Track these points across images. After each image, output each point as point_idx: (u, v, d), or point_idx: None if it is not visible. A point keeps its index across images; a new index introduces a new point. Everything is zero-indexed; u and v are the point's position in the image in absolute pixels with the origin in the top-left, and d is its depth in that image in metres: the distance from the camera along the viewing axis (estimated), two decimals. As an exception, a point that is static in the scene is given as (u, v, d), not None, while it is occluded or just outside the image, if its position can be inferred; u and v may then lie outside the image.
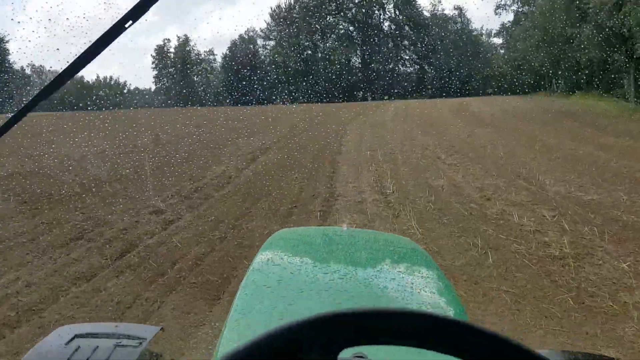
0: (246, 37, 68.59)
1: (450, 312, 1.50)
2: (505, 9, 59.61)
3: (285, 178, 10.02)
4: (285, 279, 1.67)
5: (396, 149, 14.46)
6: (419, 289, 1.64)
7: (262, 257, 1.90)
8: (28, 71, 58.00)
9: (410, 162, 12.48)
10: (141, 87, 72.32)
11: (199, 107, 49.80)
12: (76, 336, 1.59)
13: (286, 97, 63.97)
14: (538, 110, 27.17)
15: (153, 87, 72.82)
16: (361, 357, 0.90)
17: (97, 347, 1.52)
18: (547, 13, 39.15)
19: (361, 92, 63.86)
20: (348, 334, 0.50)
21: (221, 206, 7.83)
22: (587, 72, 39.02)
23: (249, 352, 0.48)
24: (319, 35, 64.52)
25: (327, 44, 65.32)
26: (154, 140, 16.93)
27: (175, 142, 16.52)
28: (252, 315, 1.42)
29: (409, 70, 68.26)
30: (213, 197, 8.47)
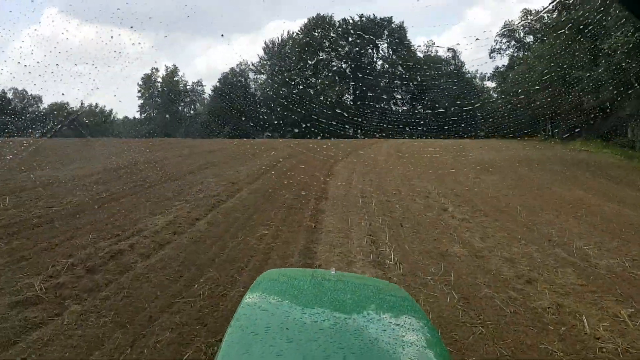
0: (238, 70, 67.25)
1: None
2: (500, 52, 58.68)
3: (247, 239, 7.53)
4: (274, 326, 1.62)
5: (393, 197, 12.08)
6: (407, 340, 1.61)
7: (250, 299, 1.86)
8: (10, 95, 55.72)
9: (412, 214, 10.08)
10: (130, 116, 70.02)
11: (181, 139, 47.39)
12: None
13: (276, 131, 62.23)
14: (541, 156, 25.25)
15: (138, 116, 70.56)
16: None
17: None
18: (547, 56, 37.93)
19: (352, 129, 62.25)
20: None
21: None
22: (587, 118, 37.63)
23: None
24: (311, 71, 63.24)
25: (320, 80, 63.94)
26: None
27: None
28: None
29: (400, 109, 67.02)
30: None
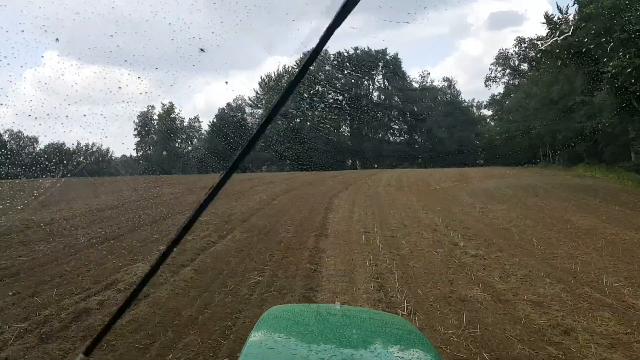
0: (234, 105, 67.22)
1: None
2: (496, 81, 58.75)
3: (237, 288, 6.63)
4: None
5: (398, 231, 11.20)
6: None
7: (255, 338, 1.84)
8: (6, 137, 55.29)
9: (421, 251, 9.19)
10: (127, 154, 69.52)
11: (179, 175, 46.60)
12: None
13: (273, 164, 61.69)
14: (546, 183, 24.45)
15: (134, 154, 70.06)
16: None
17: None
18: (544, 82, 37.65)
19: (350, 161, 61.73)
20: None
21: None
22: (589, 143, 37.07)
23: None
24: (307, 104, 63.11)
25: (316, 113, 63.80)
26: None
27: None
28: None
29: (398, 140, 66.72)
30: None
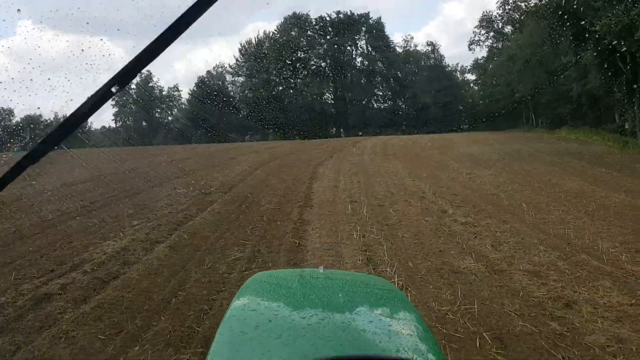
0: (214, 73, 65.60)
1: (428, 355, 1.46)
2: (479, 44, 57.98)
3: (216, 266, 6.19)
4: (262, 325, 1.57)
5: (385, 200, 10.82)
6: (397, 331, 1.59)
7: (238, 302, 1.84)
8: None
9: (410, 220, 8.83)
10: (107, 125, 67.72)
11: (162, 146, 45.58)
12: None
13: (256, 134, 60.75)
14: (531, 147, 24.31)
15: (113, 126, 68.38)
16: None
17: None
18: (529, 44, 37.09)
19: (334, 128, 61.08)
20: None
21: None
22: (573, 105, 36.93)
23: None
24: (289, 71, 61.78)
25: (299, 80, 62.57)
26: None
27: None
28: None
29: (382, 106, 66.03)
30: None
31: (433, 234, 7.87)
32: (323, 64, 64.13)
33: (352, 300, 1.96)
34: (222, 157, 21.11)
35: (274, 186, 12.68)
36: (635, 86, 21.60)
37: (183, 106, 66.71)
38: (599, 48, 20.37)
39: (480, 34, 57.42)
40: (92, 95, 0.91)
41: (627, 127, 27.62)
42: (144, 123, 68.01)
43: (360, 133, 56.49)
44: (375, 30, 65.65)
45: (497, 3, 58.16)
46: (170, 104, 67.90)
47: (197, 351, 3.65)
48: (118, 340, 3.79)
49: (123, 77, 0.90)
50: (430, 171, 15.83)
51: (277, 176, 14.87)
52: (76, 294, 4.78)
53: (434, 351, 1.50)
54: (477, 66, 60.90)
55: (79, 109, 0.91)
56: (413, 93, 62.49)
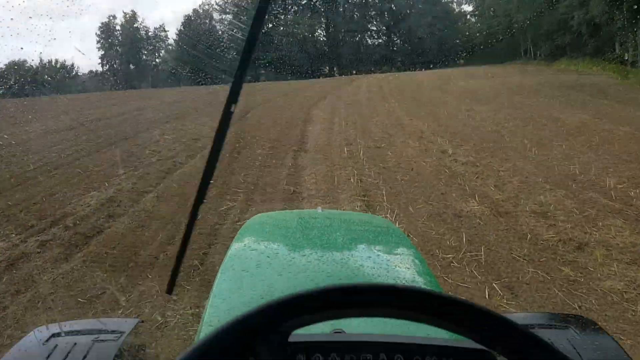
0: (201, 11, 63.03)
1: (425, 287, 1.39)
2: (477, -28, 55.49)
3: (206, 217, 5.86)
4: (263, 263, 1.62)
5: (383, 141, 10.43)
6: (395, 266, 1.61)
7: (239, 242, 1.86)
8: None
9: (408, 161, 8.49)
10: (94, 69, 65.75)
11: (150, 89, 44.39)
12: (53, 335, 1.53)
13: (247, 75, 59.14)
14: (530, 81, 23.64)
15: (100, 70, 66.43)
16: (340, 331, 0.89)
17: (75, 344, 1.45)
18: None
19: (327, 67, 59.57)
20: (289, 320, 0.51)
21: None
22: (572, 35, 35.76)
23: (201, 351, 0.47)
24: (279, 7, 59.31)
25: (289, 16, 60.27)
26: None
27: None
28: (231, 299, 1.40)
29: (376, 43, 64.13)
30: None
31: (433, 175, 7.54)
32: (314, -1, 61.58)
33: (350, 238, 1.97)
34: (212, 100, 20.37)
35: (266, 130, 12.20)
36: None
37: (170, 47, 64.72)
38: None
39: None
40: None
41: (627, 57, 26.78)
42: (131, 66, 66.11)
43: (354, 72, 55.22)
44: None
45: None
46: (157, 45, 65.77)
47: (186, 313, 3.38)
48: (99, 303, 3.51)
49: None
50: (428, 109, 15.33)
51: (269, 120, 14.34)
52: (56, 253, 4.47)
53: (431, 283, 1.52)
54: (474, -4, 58.66)
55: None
56: (408, 27, 60.44)
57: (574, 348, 1.33)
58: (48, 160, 8.94)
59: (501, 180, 7.18)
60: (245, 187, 6.92)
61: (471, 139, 10.38)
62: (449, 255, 4.46)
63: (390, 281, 1.42)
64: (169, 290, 1.33)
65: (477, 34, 55.32)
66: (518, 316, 1.85)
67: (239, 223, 5.32)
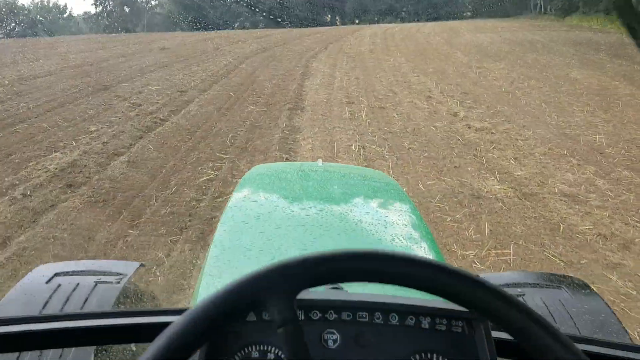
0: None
1: (421, 245, 1.50)
2: None
3: (182, 190, 5.05)
4: (263, 216, 1.61)
5: (387, 101, 9.50)
6: (392, 220, 1.62)
7: (239, 194, 1.86)
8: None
9: (417, 125, 7.62)
10: (89, 11, 63.11)
11: (147, 33, 42.47)
12: (56, 275, 1.53)
13: (247, 21, 56.95)
14: (542, 37, 22.38)
15: (92, 11, 63.77)
16: (336, 287, 0.89)
17: (78, 284, 1.47)
18: None
19: (329, 16, 57.15)
20: (300, 280, 0.54)
21: None
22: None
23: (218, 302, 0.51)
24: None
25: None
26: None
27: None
28: (231, 251, 1.41)
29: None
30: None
31: (445, 143, 6.70)
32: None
33: (349, 193, 1.95)
34: (206, 47, 19.13)
35: (261, 83, 11.18)
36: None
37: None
38: None
39: None
40: None
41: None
42: (125, 8, 63.40)
43: (357, 22, 53.13)
44: None
45: None
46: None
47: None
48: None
49: None
50: (436, 65, 14.26)
51: (265, 71, 13.25)
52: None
53: (427, 239, 1.53)
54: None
55: None
56: (414, -24, 57.67)
57: (565, 308, 1.33)
58: (14, 112, 8.00)
59: (521, 151, 6.37)
60: (232, 152, 6.06)
61: (484, 100, 9.47)
62: (470, 253, 3.69)
63: (388, 238, 1.47)
64: None
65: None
66: (511, 275, 1.80)
67: (219, 200, 4.52)
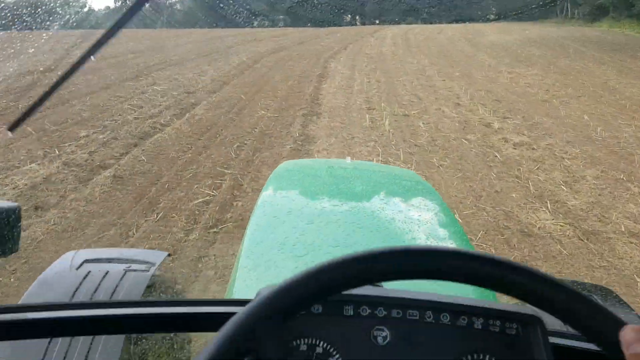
0: (219, -52, 59.24)
1: (454, 243, 1.49)
2: None
3: (169, 217, 4.25)
4: (294, 211, 1.60)
5: (412, 107, 8.64)
6: (423, 219, 1.59)
7: (269, 189, 1.85)
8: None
9: (446, 138, 6.75)
10: (110, 5, 63.16)
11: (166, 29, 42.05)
12: (85, 261, 1.56)
13: (266, 19, 56.39)
14: (573, 41, 21.28)
15: (112, 6, 63.67)
16: (379, 285, 0.86)
17: (108, 272, 1.49)
18: None
19: (349, 16, 56.26)
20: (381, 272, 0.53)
21: None
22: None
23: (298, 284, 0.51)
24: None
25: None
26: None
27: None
28: (265, 244, 1.41)
29: (402, -8, 60.19)
30: None
31: (481, 161, 5.83)
32: (339, -60, 57.45)
33: (380, 190, 1.92)
34: (221, 45, 18.38)
35: (274, 85, 10.36)
36: None
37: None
38: None
39: None
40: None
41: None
42: (146, 4, 63.18)
43: (377, 22, 52.21)
44: None
45: None
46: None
47: None
48: None
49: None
50: (463, 69, 13.34)
51: (280, 72, 12.44)
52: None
53: (460, 237, 1.52)
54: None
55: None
56: (437, -24, 56.44)
57: None
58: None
59: (570, 173, 5.48)
60: (236, 166, 5.26)
61: (519, 109, 8.57)
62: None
63: (422, 237, 1.43)
64: (11, 128, 0.97)
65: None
66: None
67: (214, 231, 3.71)
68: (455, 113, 8.24)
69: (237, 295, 1.15)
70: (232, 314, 0.50)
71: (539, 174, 5.46)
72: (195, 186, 4.59)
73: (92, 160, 5.11)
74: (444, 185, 4.98)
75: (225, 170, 5.07)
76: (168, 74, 11.16)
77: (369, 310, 0.76)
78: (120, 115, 7.18)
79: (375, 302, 0.76)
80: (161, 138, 6.14)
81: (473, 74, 12.50)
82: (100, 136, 6.02)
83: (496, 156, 6.02)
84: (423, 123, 7.53)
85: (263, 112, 7.84)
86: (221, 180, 4.80)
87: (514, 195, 4.80)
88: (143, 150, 5.57)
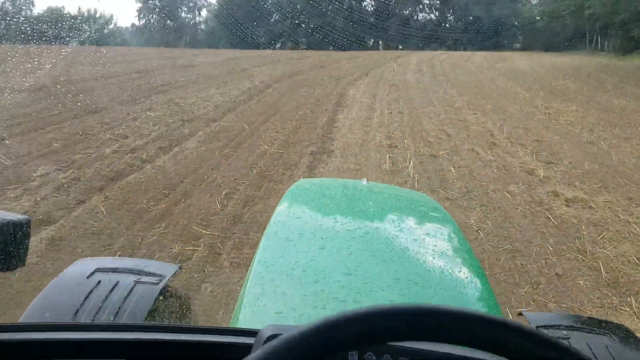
0: (245, -29, 59.57)
1: (470, 273, 1.45)
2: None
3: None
4: (307, 233, 1.58)
5: (440, 145, 7.48)
6: (438, 247, 1.58)
7: (283, 208, 1.82)
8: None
9: (483, 189, 5.55)
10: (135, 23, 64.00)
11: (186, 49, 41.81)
12: (97, 270, 1.54)
13: (288, 41, 56.10)
14: (609, 75, 20.04)
15: (137, 23, 64.31)
16: None
17: (118, 282, 1.47)
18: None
19: (372, 40, 55.61)
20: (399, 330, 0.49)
21: None
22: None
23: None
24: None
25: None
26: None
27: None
28: (274, 268, 1.37)
29: (427, 17, 59.56)
30: None
31: (530, 224, 4.61)
32: (365, -35, 57.28)
33: (395, 216, 1.88)
34: (235, 66, 17.50)
35: (284, 114, 9.28)
36: None
37: (213, 6, 62.01)
38: None
39: None
40: None
41: None
42: (168, 22, 63.66)
43: (400, 47, 51.47)
44: None
45: None
46: (199, 3, 63.11)
47: None
48: None
49: None
50: (495, 101, 12.16)
51: (292, 98, 11.39)
52: None
53: (475, 266, 1.48)
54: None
55: None
56: (464, 4, 55.64)
57: (611, 355, 1.27)
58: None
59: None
60: (217, 225, 4.10)
61: (564, 153, 7.36)
62: None
63: (437, 270, 1.41)
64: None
65: (538, 18, 51.25)
66: (554, 316, 1.66)
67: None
68: (491, 155, 7.04)
69: (243, 322, 1.11)
70: (237, 344, 0.52)
71: (605, 247, 4.23)
72: (157, 256, 3.45)
73: (34, 212, 4.01)
74: (487, 262, 3.77)
75: (203, 231, 3.92)
76: (169, 97, 10.17)
77: (374, 358, 0.74)
78: (97, 147, 6.12)
79: (381, 350, 0.75)
80: (135, 180, 5.04)
81: (507, 107, 11.31)
82: (61, 175, 4.93)
83: (548, 217, 4.79)
84: (454, 167, 6.34)
85: (266, 146, 6.72)
86: (193, 249, 3.64)
87: (581, 282, 3.57)
88: (106, 197, 4.46)
